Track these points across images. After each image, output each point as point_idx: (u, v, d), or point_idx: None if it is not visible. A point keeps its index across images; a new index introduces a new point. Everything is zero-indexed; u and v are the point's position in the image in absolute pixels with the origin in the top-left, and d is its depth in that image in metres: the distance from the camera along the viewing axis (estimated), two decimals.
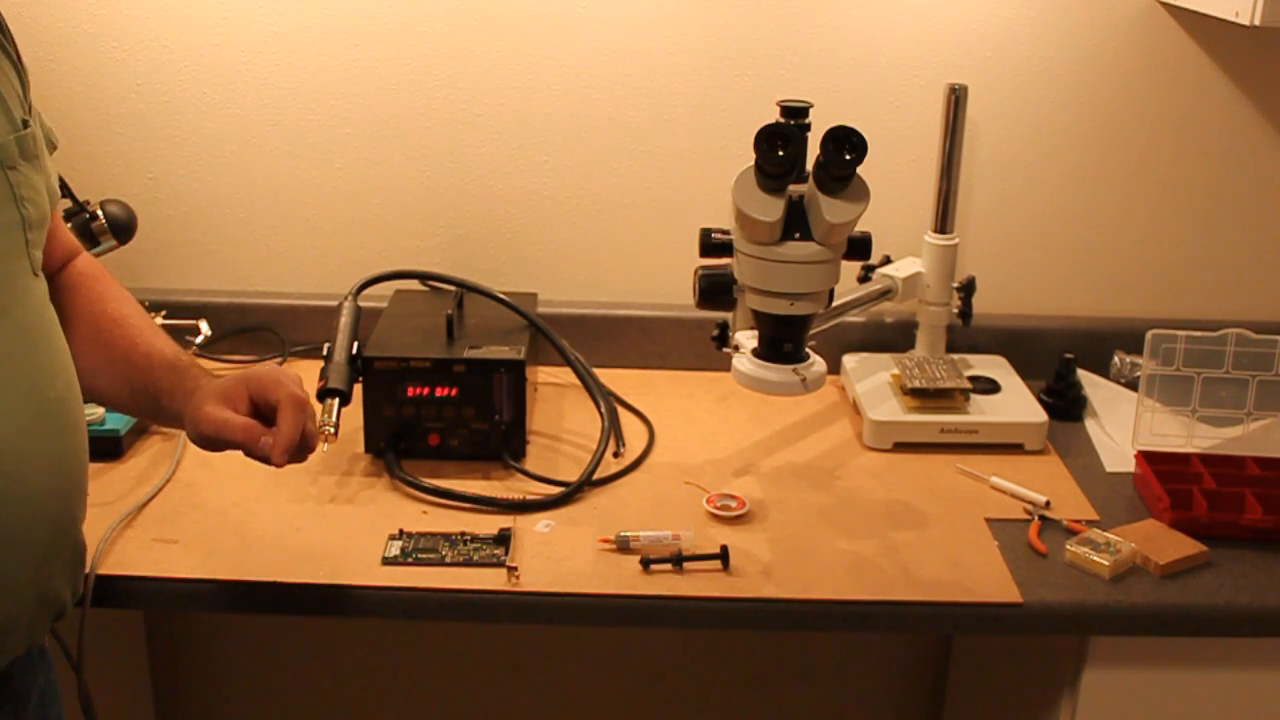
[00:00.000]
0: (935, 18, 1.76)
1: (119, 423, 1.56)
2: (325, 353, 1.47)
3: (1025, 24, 1.76)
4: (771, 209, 1.31)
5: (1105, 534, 1.40)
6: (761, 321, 1.40)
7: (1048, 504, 1.49)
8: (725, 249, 1.39)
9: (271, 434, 1.18)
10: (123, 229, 1.68)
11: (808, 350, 1.42)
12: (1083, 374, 1.79)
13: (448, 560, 1.35)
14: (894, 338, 1.85)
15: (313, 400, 1.25)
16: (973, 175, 1.82)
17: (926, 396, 1.67)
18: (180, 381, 1.24)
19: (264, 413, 1.21)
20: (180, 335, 1.60)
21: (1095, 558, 1.35)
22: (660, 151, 1.82)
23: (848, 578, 1.35)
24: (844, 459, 1.62)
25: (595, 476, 1.53)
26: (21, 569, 1.08)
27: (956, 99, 1.69)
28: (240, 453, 1.20)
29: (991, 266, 1.86)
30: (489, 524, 1.42)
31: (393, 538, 1.39)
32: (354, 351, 1.49)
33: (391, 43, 1.77)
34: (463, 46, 1.77)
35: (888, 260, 1.77)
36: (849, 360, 1.80)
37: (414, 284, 1.76)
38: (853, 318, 1.77)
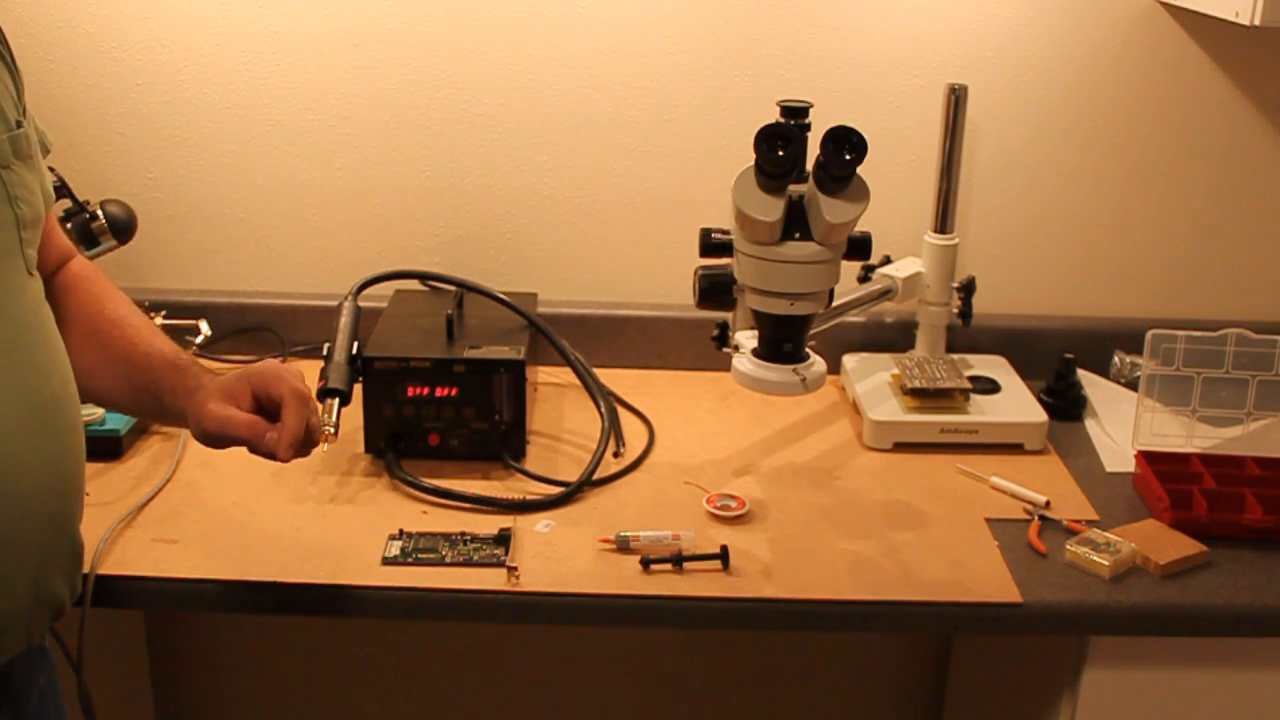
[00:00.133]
0: (935, 18, 1.76)
1: (119, 423, 1.56)
2: (325, 353, 1.47)
3: (1025, 24, 1.76)
4: (771, 209, 1.31)
5: (1105, 534, 1.40)
6: (761, 321, 1.40)
7: (1048, 504, 1.49)
8: (725, 249, 1.39)
9: (276, 429, 1.18)
10: (123, 229, 1.68)
11: (808, 350, 1.42)
12: (1083, 374, 1.79)
13: (448, 560, 1.35)
14: (894, 338, 1.85)
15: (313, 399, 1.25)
16: (973, 175, 1.82)
17: (926, 396, 1.66)
18: (182, 380, 1.24)
19: (267, 409, 1.21)
20: (180, 335, 1.60)
21: (1095, 558, 1.35)
22: (660, 151, 1.82)
23: (848, 578, 1.35)
24: (844, 459, 1.62)
25: (595, 476, 1.53)
26: (18, 568, 1.08)
27: (956, 99, 1.69)
28: (240, 452, 1.20)
29: (991, 266, 1.86)
30: (489, 524, 1.42)
31: (393, 538, 1.39)
32: (354, 351, 1.49)
33: (391, 43, 1.77)
34: (463, 46, 1.77)
35: (888, 260, 1.77)
36: (849, 360, 1.80)
37: (414, 284, 1.76)
38: (853, 318, 1.77)
